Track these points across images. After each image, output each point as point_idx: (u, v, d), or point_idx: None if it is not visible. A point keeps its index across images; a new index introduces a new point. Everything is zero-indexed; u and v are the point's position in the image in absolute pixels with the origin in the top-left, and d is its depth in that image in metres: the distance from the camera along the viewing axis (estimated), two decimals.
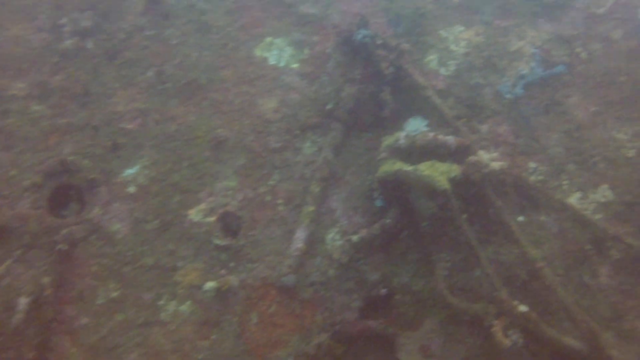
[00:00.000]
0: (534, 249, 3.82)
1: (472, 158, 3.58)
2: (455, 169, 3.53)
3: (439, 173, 3.46)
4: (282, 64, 4.36)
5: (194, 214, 4.00)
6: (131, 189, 4.06)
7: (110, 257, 3.91)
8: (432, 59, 4.23)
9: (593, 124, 4.09)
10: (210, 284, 3.72)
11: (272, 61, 4.38)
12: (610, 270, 3.84)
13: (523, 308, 3.50)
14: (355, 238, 3.66)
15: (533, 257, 3.66)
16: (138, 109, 4.30)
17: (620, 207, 3.92)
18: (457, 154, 3.72)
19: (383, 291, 3.84)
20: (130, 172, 4.11)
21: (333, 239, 3.90)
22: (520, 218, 3.91)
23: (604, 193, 3.94)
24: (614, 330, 3.77)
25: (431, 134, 3.58)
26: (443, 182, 3.44)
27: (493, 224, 3.84)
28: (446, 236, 3.77)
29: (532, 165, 4.00)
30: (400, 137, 3.59)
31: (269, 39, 4.45)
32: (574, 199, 3.93)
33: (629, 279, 3.82)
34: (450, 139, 3.60)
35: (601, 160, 4.01)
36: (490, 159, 3.66)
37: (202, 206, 4.02)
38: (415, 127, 3.64)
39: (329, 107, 4.04)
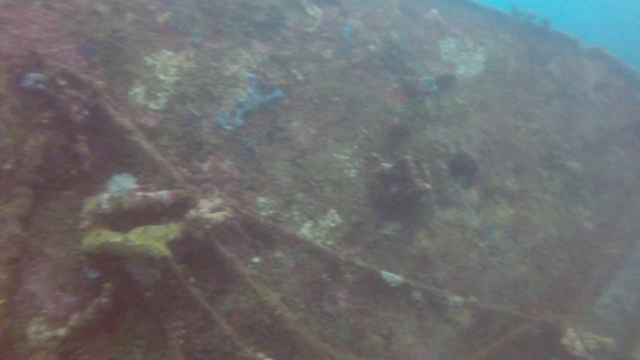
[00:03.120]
0: (273, 291, 3.85)
1: (191, 214, 3.38)
2: (173, 230, 3.29)
3: (154, 239, 3.17)
4: None
5: None
6: None
7: None
8: (138, 92, 3.86)
9: (315, 147, 4.27)
10: None
11: None
12: (347, 294, 4.11)
13: None
14: (62, 332, 3.15)
15: (271, 304, 3.67)
16: None
17: (348, 229, 4.21)
18: (175, 209, 3.45)
19: None
20: None
21: (38, 331, 3.31)
22: (256, 259, 3.89)
23: (332, 218, 4.17)
24: (356, 351, 4.05)
25: (140, 194, 3.25)
26: (161, 249, 3.17)
27: (228, 273, 3.73)
28: (177, 300, 3.52)
29: (261, 200, 3.99)
30: (103, 201, 3.17)
31: None
32: (305, 229, 4.06)
33: (363, 298, 4.14)
34: (164, 196, 3.32)
35: (327, 185, 4.22)
36: (213, 208, 3.50)
37: None
38: (121, 186, 3.26)
39: (8, 166, 3.36)
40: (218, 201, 3.58)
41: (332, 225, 4.19)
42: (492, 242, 4.78)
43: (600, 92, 5.79)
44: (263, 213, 4.00)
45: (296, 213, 4.10)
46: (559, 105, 5.47)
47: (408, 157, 4.11)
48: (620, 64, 5.88)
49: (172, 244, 3.29)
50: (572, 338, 4.59)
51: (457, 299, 4.39)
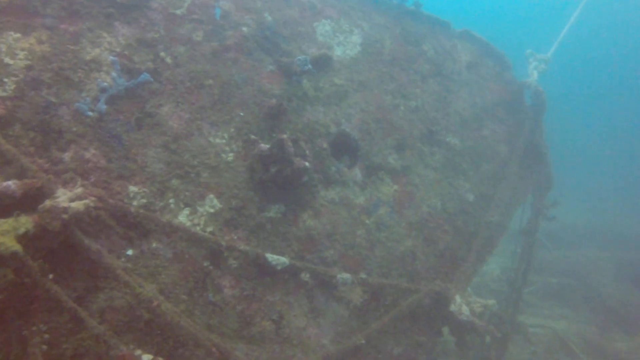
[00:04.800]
0: (150, 283, 3.64)
1: (46, 204, 3.09)
2: (25, 222, 3.00)
3: (0, 234, 2.85)
4: None
5: None
6: None
7: None
8: None
9: (189, 132, 4.11)
10: None
11: None
12: (232, 281, 4.00)
13: (146, 358, 3.32)
14: None
15: (146, 296, 3.46)
16: None
17: (229, 214, 4.09)
18: (27, 201, 3.16)
19: None
20: None
21: None
22: (130, 252, 3.66)
23: (211, 203, 4.04)
24: (245, 339, 3.93)
25: None
26: (8, 245, 2.88)
27: (98, 268, 3.47)
28: (36, 302, 3.21)
29: (132, 189, 3.76)
30: None
31: None
32: (183, 217, 3.89)
33: (249, 284, 4.04)
34: (11, 186, 3.03)
35: (204, 170, 4.08)
36: (72, 198, 3.24)
37: None
38: None
39: None
40: (79, 190, 3.33)
41: (212, 211, 4.05)
42: (379, 219, 4.87)
43: (473, 71, 6.12)
44: (135, 202, 3.78)
45: (172, 201, 3.92)
46: (435, 84, 5.70)
47: (285, 136, 4.07)
48: (488, 45, 6.25)
49: (23, 239, 3.00)
50: (460, 304, 4.77)
51: (346, 276, 4.41)
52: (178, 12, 4.41)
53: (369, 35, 5.38)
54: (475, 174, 5.72)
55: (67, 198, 3.22)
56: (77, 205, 3.21)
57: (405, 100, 5.39)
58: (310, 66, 4.54)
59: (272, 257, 4.08)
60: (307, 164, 4.15)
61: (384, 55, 5.40)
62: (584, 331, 8.67)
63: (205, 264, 3.93)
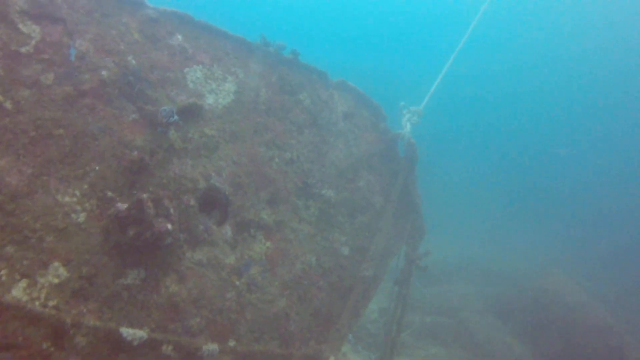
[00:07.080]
0: None
1: None
2: None
3: None
4: None
5: None
6: None
7: None
8: None
9: (32, 190, 3.64)
10: None
11: None
12: None
13: None
14: None
15: None
16: None
17: (78, 283, 3.65)
18: None
19: None
20: None
21: None
22: None
23: (56, 272, 3.58)
24: None
25: None
26: None
27: None
28: None
29: None
30: None
31: None
32: (18, 291, 3.39)
33: None
34: None
35: (48, 233, 3.61)
36: None
37: None
38: None
39: None
40: None
41: (56, 281, 3.59)
42: (250, 279, 4.65)
43: (349, 121, 6.21)
44: None
45: (4, 272, 3.41)
46: (311, 134, 5.68)
47: (145, 196, 3.74)
48: (363, 96, 6.39)
49: None
50: None
51: (213, 347, 4.12)
52: (23, 50, 3.94)
53: (243, 83, 5.23)
54: (351, 227, 5.74)
55: None
56: None
57: (280, 152, 5.29)
58: (176, 117, 4.27)
59: (127, 332, 3.69)
60: (169, 226, 3.85)
61: (259, 105, 5.28)
62: None
63: (45, 345, 3.44)
